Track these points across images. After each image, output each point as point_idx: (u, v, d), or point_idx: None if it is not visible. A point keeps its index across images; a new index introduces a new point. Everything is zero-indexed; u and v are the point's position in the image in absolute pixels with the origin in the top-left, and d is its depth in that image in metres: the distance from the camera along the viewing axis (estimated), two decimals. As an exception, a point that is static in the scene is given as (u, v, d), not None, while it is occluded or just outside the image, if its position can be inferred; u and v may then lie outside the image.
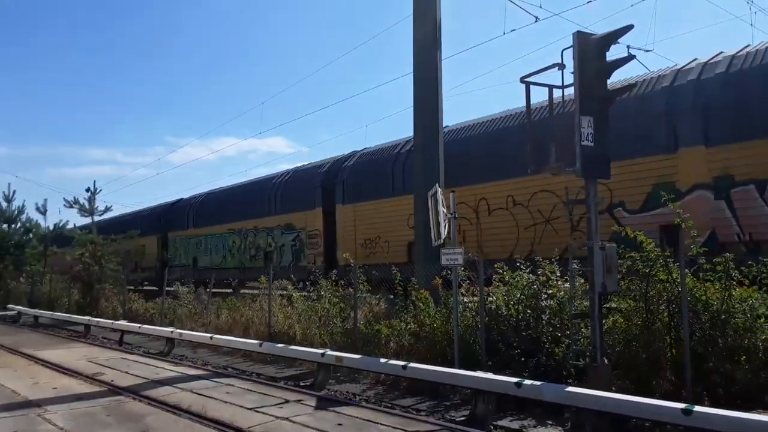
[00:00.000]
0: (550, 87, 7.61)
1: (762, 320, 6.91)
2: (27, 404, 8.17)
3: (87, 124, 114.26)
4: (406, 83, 12.48)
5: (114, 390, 9.05)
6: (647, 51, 15.01)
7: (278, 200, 22.79)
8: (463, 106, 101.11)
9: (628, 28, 7.14)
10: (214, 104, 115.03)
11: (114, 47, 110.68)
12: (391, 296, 11.55)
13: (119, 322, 16.34)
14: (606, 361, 6.94)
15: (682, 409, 5.41)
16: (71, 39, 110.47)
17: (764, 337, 6.81)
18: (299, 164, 24.79)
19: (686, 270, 7.06)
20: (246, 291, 17.10)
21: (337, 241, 19.50)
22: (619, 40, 7.46)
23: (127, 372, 10.54)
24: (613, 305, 8.03)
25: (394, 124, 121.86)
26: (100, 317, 18.28)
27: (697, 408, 5.41)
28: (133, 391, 8.84)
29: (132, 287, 22.36)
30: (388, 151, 19.06)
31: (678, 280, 7.14)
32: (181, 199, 33.68)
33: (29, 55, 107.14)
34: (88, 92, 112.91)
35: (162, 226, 32.12)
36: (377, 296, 12.07)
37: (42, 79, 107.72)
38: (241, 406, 7.83)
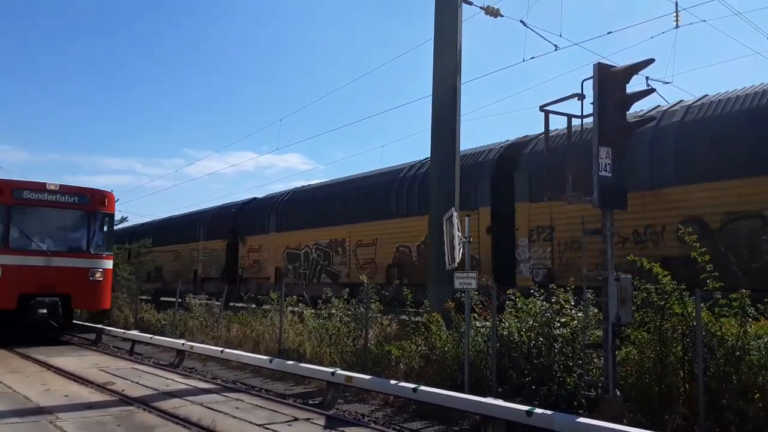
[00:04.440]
0: (569, 116, 7.68)
1: (777, 358, 6.85)
2: (39, 411, 8.24)
3: (107, 134, 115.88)
4: (425, 104, 12.64)
5: (124, 400, 9.11)
6: (666, 83, 15.20)
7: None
8: (479, 130, 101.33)
9: (649, 61, 7.22)
10: (234, 119, 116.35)
11: (137, 59, 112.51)
12: None
13: (131, 331, 16.45)
14: (618, 392, 6.91)
15: (694, 445, 5.37)
16: (94, 48, 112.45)
17: (779, 375, 6.74)
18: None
19: (701, 304, 7.03)
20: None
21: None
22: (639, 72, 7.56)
23: (137, 382, 10.60)
24: (627, 336, 8.00)
25: (410, 146, 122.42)
26: (112, 326, 18.41)
27: (710, 445, 5.36)
28: (144, 402, 8.89)
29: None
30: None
31: (693, 314, 7.11)
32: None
33: (51, 63, 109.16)
34: (109, 102, 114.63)
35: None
36: (389, 317, 12.09)
37: (64, 87, 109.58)
38: (251, 422, 7.85)
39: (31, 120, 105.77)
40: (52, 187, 16.45)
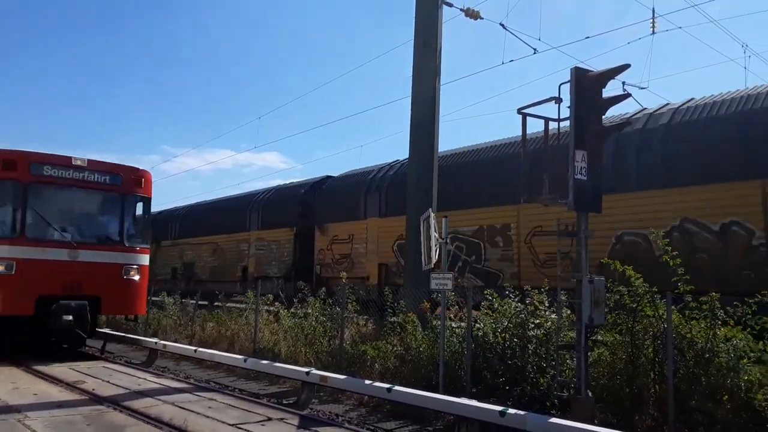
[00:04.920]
0: (546, 119, 7.75)
1: (744, 361, 6.98)
2: (7, 409, 8.05)
3: (87, 130, 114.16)
4: (404, 105, 12.69)
5: (95, 399, 8.95)
6: (642, 88, 15.44)
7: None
8: (462, 131, 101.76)
9: (625, 66, 7.31)
10: (212, 116, 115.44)
11: (115, 55, 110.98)
12: None
13: (102, 330, 16.19)
14: (590, 393, 6.98)
15: (663, 445, 5.44)
16: (71, 44, 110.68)
17: (746, 377, 6.87)
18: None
19: (672, 307, 7.14)
20: (232, 305, 17.16)
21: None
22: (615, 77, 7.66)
23: (108, 381, 10.43)
24: (599, 338, 8.10)
25: (389, 146, 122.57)
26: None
27: (679, 445, 5.44)
28: (114, 402, 8.75)
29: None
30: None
31: (664, 317, 7.22)
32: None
33: (28, 58, 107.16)
34: (86, 99, 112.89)
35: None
36: (365, 317, 12.09)
37: (40, 83, 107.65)
38: (223, 422, 7.76)
39: (7, 114, 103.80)
40: (79, 163, 13.22)
